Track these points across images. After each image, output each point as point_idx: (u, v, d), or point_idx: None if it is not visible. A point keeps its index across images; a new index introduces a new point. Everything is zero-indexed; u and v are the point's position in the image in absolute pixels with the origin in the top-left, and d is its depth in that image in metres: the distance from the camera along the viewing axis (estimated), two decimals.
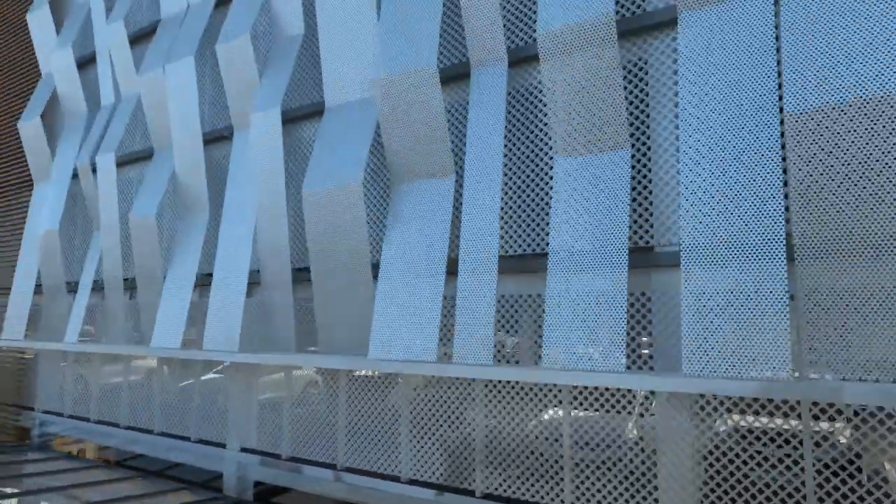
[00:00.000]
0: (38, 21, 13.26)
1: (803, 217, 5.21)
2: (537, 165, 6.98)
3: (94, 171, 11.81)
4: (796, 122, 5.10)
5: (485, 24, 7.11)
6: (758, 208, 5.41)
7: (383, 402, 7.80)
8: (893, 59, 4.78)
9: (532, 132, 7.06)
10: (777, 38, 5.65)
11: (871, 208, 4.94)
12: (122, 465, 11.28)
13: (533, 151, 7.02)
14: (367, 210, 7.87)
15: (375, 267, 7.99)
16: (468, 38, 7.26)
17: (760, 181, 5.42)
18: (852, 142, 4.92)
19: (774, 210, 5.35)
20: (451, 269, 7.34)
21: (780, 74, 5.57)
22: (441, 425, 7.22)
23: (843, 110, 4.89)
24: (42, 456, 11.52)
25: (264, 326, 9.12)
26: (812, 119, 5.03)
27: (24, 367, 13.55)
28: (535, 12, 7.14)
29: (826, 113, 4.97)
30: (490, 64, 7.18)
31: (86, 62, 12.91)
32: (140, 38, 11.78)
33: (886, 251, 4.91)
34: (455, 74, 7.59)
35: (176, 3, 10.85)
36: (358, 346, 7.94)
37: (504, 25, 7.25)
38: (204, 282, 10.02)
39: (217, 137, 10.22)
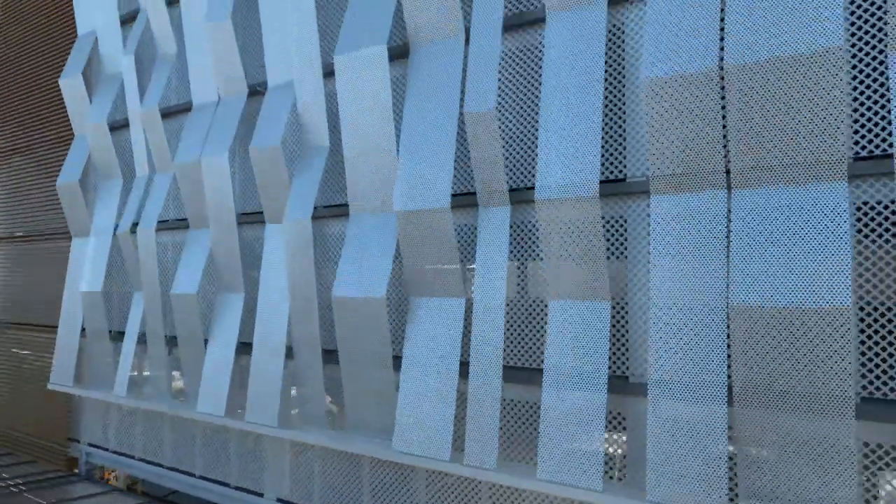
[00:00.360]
0: (71, 87, 14.27)
1: (742, 371, 6.64)
2: (532, 295, 8.35)
3: (132, 231, 13.01)
4: (738, 313, 6.50)
5: (490, 169, 8.37)
6: (706, 358, 6.83)
7: (402, 477, 9.32)
8: (819, 280, 6.16)
9: (529, 263, 8.41)
10: (728, 225, 6.97)
11: (799, 377, 6.37)
12: (165, 501, 12.86)
13: (529, 283, 8.38)
14: (388, 309, 9.20)
15: (397, 359, 9.40)
16: (476, 179, 8.52)
17: (710, 337, 6.83)
18: (782, 336, 6.33)
19: (719, 361, 6.77)
20: (462, 372, 8.76)
21: (729, 258, 6.91)
22: (452, 501, 8.76)
23: (779, 313, 6.29)
24: (95, 490, 13.08)
25: (299, 396, 10.57)
26: (750, 314, 6.43)
27: (70, 400, 14.97)
28: (535, 161, 8.39)
29: (762, 314, 6.36)
30: (494, 203, 8.47)
31: (118, 126, 13.97)
32: (170, 113, 12.85)
33: (813, 408, 6.36)
34: (466, 203, 8.85)
35: (207, 94, 11.95)
36: (381, 426, 9.41)
37: (506, 166, 8.50)
38: (243, 350, 11.40)
39: (250, 221, 11.46)
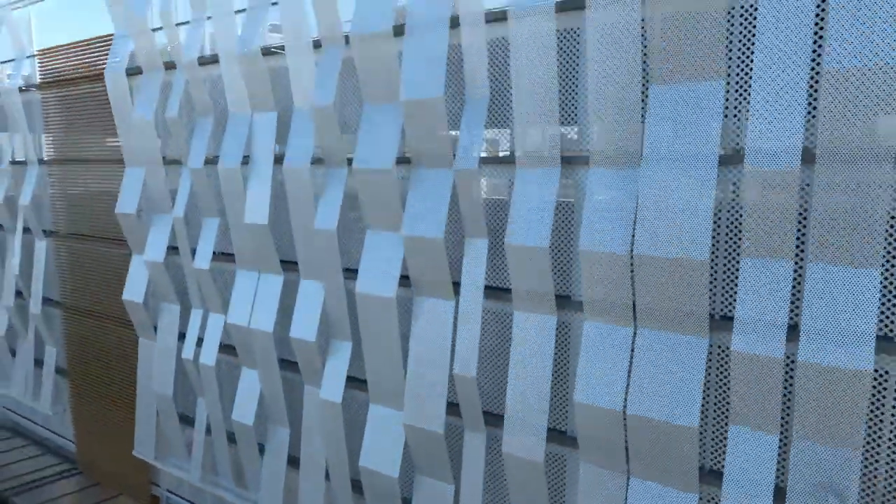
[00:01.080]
0: (128, 219, 16.87)
1: None
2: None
3: (194, 359, 16.26)
4: None
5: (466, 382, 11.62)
6: None
7: None
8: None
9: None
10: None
11: None
12: None
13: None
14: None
15: (406, 501, 13.13)
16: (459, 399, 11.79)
17: None
18: None
19: None
20: None
21: None
22: None
23: None
24: None
25: None
26: None
27: None
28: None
29: None
30: (474, 431, 11.80)
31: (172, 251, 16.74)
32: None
33: None
34: (450, 402, 12.15)
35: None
36: None
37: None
38: (292, 463, 15.14)
39: (290, 369, 14.74)
